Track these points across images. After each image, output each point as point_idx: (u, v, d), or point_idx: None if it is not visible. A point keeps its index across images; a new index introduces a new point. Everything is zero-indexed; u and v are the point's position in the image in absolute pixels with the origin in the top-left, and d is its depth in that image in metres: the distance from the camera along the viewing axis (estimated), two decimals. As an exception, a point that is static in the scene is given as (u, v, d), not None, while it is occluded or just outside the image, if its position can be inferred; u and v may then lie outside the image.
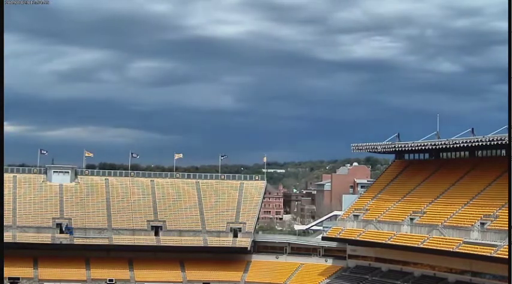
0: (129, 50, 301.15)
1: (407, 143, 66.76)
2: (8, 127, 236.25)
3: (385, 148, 70.08)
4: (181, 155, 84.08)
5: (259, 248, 76.78)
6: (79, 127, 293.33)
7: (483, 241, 53.70)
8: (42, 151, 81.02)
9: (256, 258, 75.70)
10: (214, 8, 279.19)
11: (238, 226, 76.03)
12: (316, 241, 75.85)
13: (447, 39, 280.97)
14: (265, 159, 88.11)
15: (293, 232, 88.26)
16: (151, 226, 75.26)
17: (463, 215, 58.44)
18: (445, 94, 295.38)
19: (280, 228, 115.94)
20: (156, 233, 74.96)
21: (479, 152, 65.06)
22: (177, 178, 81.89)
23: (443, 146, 62.68)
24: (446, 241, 56.91)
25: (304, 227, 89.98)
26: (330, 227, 73.19)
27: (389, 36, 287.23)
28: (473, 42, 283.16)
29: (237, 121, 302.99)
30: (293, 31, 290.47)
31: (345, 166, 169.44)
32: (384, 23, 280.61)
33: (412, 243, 60.30)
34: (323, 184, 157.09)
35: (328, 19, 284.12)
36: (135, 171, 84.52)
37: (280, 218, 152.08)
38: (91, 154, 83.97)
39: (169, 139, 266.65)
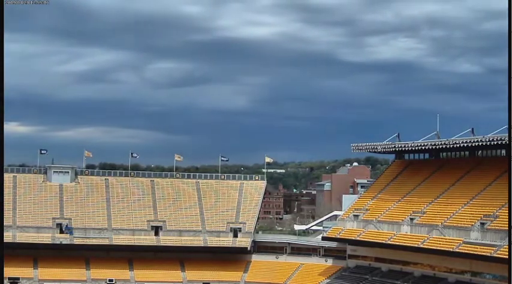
0: (151, 51, 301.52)
1: (407, 143, 66.74)
2: (19, 128, 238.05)
3: (385, 148, 70.06)
4: (181, 158, 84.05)
5: (259, 248, 76.78)
6: (90, 128, 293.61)
7: (483, 241, 53.69)
8: (42, 151, 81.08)
9: (256, 258, 75.70)
10: (246, 10, 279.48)
11: (238, 226, 76.04)
12: (316, 241, 75.83)
13: (471, 41, 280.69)
14: (267, 160, 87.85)
15: (293, 232, 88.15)
16: (151, 226, 75.28)
17: (463, 215, 58.41)
18: (459, 94, 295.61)
19: (280, 228, 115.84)
20: (156, 233, 74.98)
21: (479, 152, 65.07)
22: (177, 178, 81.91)
23: (443, 146, 62.68)
24: (446, 241, 56.90)
25: (304, 227, 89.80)
26: (330, 227, 73.17)
27: (416, 37, 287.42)
28: (497, 44, 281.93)
29: (240, 122, 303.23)
30: (322, 32, 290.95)
31: (345, 166, 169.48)
32: (414, 24, 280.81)
33: (412, 243, 60.29)
34: (323, 184, 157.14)
35: (358, 21, 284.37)
36: (135, 171, 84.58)
37: (280, 218, 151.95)
38: (90, 154, 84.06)
39: (175, 140, 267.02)
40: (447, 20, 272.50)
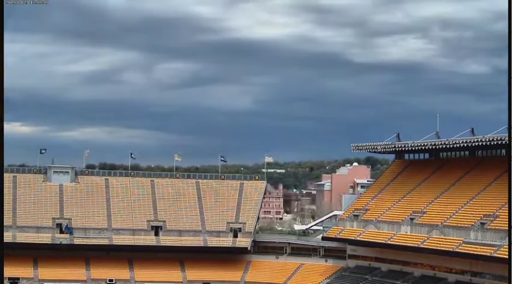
0: (160, 52, 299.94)
1: (407, 143, 66.77)
2: (21, 128, 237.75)
3: (385, 148, 70.09)
4: (180, 158, 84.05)
5: (259, 248, 76.79)
6: (95, 128, 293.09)
7: (483, 241, 53.73)
8: (42, 151, 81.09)
9: (256, 258, 75.69)
10: (259, 11, 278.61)
11: (238, 226, 76.02)
12: (316, 241, 75.84)
13: (481, 42, 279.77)
14: (267, 160, 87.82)
15: (293, 232, 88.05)
16: (151, 226, 75.27)
17: (463, 215, 58.44)
18: (464, 95, 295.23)
19: (280, 228, 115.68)
20: (156, 233, 74.97)
21: (479, 152, 65.09)
22: (177, 178, 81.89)
23: (443, 146, 62.71)
24: (446, 241, 56.93)
25: (304, 227, 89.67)
26: (330, 227, 73.20)
27: (426, 38, 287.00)
28: (506, 45, 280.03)
29: (241, 122, 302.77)
30: (332, 33, 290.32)
31: (345, 166, 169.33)
32: (424, 25, 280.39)
33: (412, 243, 60.31)
34: (323, 184, 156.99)
35: (369, 22, 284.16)
36: (135, 171, 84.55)
37: (280, 219, 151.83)
38: (86, 154, 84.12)
39: (175, 140, 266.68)
40: (457, 21, 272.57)
